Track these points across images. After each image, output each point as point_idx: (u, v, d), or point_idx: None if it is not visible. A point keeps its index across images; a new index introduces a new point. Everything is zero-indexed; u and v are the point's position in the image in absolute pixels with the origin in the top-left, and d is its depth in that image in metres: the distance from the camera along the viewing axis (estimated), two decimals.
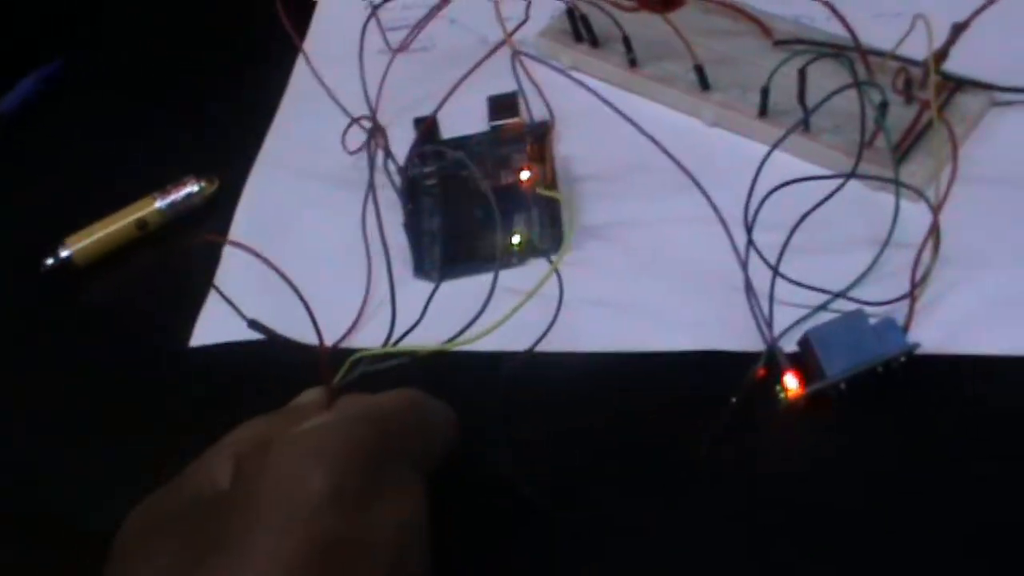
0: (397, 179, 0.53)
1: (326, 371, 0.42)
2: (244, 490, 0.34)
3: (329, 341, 0.46)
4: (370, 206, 0.53)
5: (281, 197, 0.55)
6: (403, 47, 0.60)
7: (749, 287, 0.46)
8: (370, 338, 0.48)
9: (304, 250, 0.51)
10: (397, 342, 0.47)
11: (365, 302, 0.50)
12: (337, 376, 0.42)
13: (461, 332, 0.45)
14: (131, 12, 0.68)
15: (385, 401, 0.38)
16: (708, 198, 0.49)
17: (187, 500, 0.35)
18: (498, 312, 0.44)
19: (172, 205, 0.55)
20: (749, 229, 0.46)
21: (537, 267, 0.50)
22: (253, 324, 0.49)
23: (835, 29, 0.53)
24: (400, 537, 0.35)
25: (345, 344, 0.48)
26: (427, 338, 0.46)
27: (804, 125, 0.51)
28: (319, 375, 0.43)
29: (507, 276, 0.47)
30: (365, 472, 0.35)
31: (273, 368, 0.48)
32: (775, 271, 0.45)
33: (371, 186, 0.53)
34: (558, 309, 0.45)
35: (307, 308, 0.43)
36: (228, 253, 0.53)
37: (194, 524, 0.34)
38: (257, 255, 0.45)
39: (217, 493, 0.35)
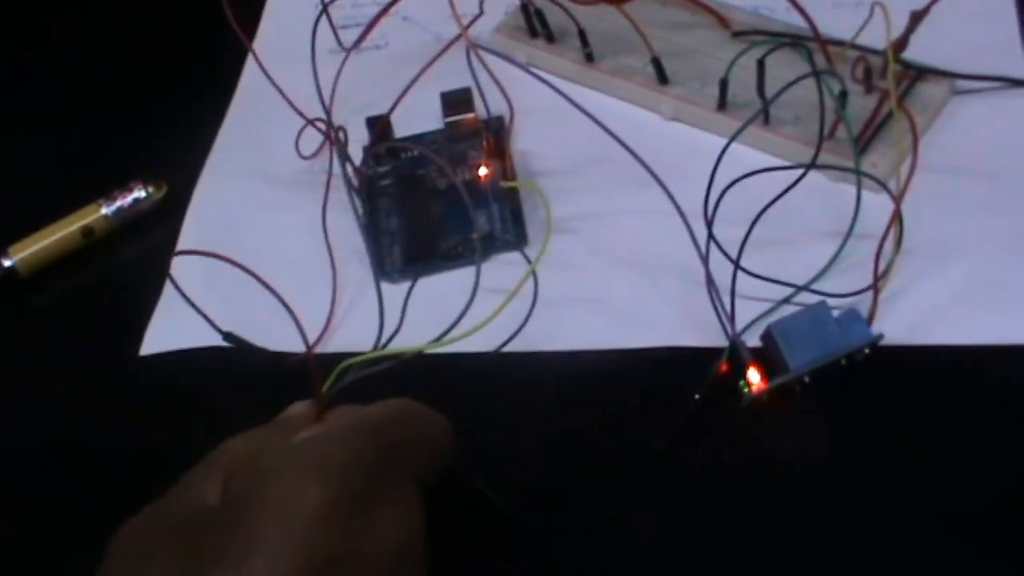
0: (354, 180, 0.53)
1: (317, 381, 0.42)
2: (237, 506, 0.34)
3: (295, 348, 0.46)
4: (329, 208, 0.53)
5: (233, 202, 0.56)
6: (355, 45, 0.61)
7: (710, 282, 0.47)
8: (344, 343, 0.49)
9: (258, 256, 0.52)
10: (384, 346, 0.47)
11: (333, 307, 0.50)
12: (326, 384, 0.42)
13: (448, 330, 0.45)
14: (75, 14, 0.68)
15: (379, 412, 0.39)
16: (667, 192, 0.50)
17: (179, 514, 0.35)
18: (457, 311, 0.45)
19: (119, 211, 0.55)
20: (709, 223, 0.46)
21: (500, 263, 0.51)
22: (229, 336, 0.49)
23: (794, 19, 0.54)
24: (398, 550, 0.35)
25: (319, 350, 0.49)
26: (405, 340, 0.47)
27: (764, 117, 0.52)
28: (292, 384, 0.43)
29: (467, 274, 0.48)
30: (362, 485, 0.35)
31: (229, 375, 0.48)
32: (736, 265, 0.46)
33: (329, 188, 0.53)
34: (532, 307, 0.45)
35: (292, 315, 0.43)
36: (182, 260, 0.53)
37: (189, 539, 0.34)
38: (236, 263, 0.45)
39: (209, 509, 0.35)
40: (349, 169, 0.53)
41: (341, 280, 0.51)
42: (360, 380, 0.42)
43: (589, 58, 0.58)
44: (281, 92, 0.55)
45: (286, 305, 0.43)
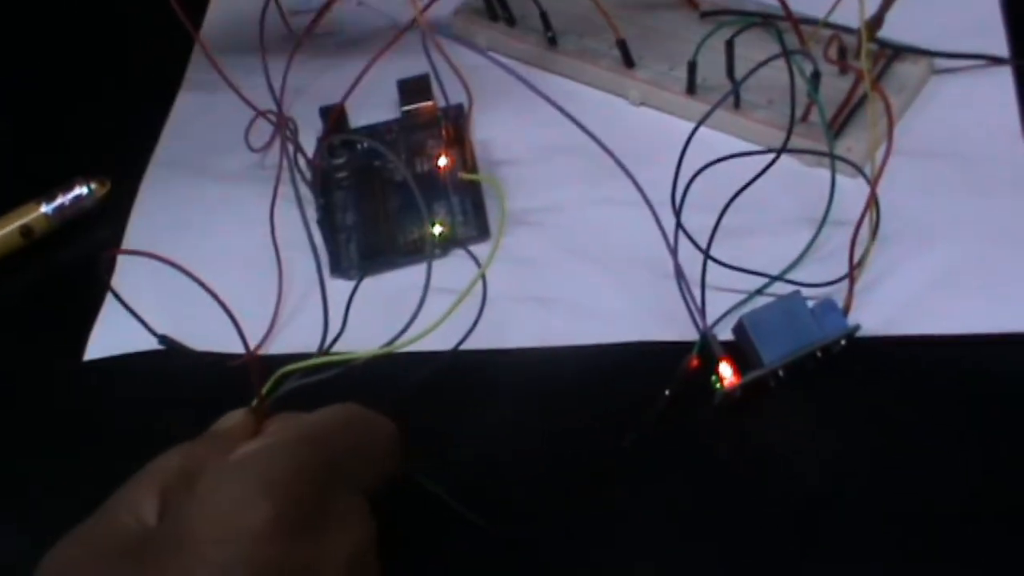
0: (307, 173, 0.54)
1: (256, 387, 0.42)
2: (177, 527, 0.33)
3: (240, 350, 0.46)
4: (279, 203, 0.53)
5: (180, 198, 0.56)
6: (307, 32, 0.61)
7: (680, 273, 0.47)
8: (289, 344, 0.49)
9: (207, 255, 0.51)
10: (327, 350, 0.47)
11: (278, 307, 0.51)
12: (263, 390, 0.42)
13: (400, 334, 0.45)
14: (14, 3, 0.67)
15: (323, 420, 0.38)
16: (634, 181, 0.50)
17: (112, 538, 0.34)
18: (424, 309, 0.45)
19: (59, 210, 0.55)
20: (677, 212, 0.47)
21: (460, 257, 0.51)
22: (164, 340, 0.49)
23: None
24: (350, 564, 0.35)
25: (263, 352, 0.49)
26: (353, 341, 0.47)
27: (734, 101, 0.52)
28: (235, 388, 0.43)
29: (426, 270, 0.48)
30: (309, 499, 0.34)
31: (177, 380, 0.49)
32: (706, 255, 0.47)
33: (279, 182, 0.53)
34: (481, 307, 0.46)
35: (231, 316, 0.43)
36: (125, 260, 0.53)
37: (124, 565, 0.33)
38: (174, 265, 0.45)
39: (146, 530, 0.34)
40: (301, 162, 0.53)
41: (292, 278, 0.51)
42: (305, 384, 0.42)
43: (552, 42, 0.58)
44: (228, 82, 0.55)
45: (224, 307, 0.43)
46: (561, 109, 0.53)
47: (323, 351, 0.47)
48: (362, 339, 0.47)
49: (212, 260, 0.50)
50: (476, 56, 0.58)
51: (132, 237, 0.54)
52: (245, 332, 0.45)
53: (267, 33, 0.58)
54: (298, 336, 0.49)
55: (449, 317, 0.43)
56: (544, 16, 0.57)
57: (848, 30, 0.53)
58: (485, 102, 0.56)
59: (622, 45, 0.56)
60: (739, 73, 0.51)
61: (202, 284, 0.43)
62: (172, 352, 0.49)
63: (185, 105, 0.60)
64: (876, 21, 0.52)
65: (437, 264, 0.49)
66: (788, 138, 0.47)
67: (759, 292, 0.47)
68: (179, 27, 0.55)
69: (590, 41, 0.57)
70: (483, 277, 0.45)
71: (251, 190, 0.54)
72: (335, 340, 0.48)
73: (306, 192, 0.53)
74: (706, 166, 0.46)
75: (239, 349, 0.46)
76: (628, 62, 0.56)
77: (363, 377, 0.43)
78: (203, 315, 0.45)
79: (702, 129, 0.48)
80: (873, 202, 0.47)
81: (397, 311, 0.46)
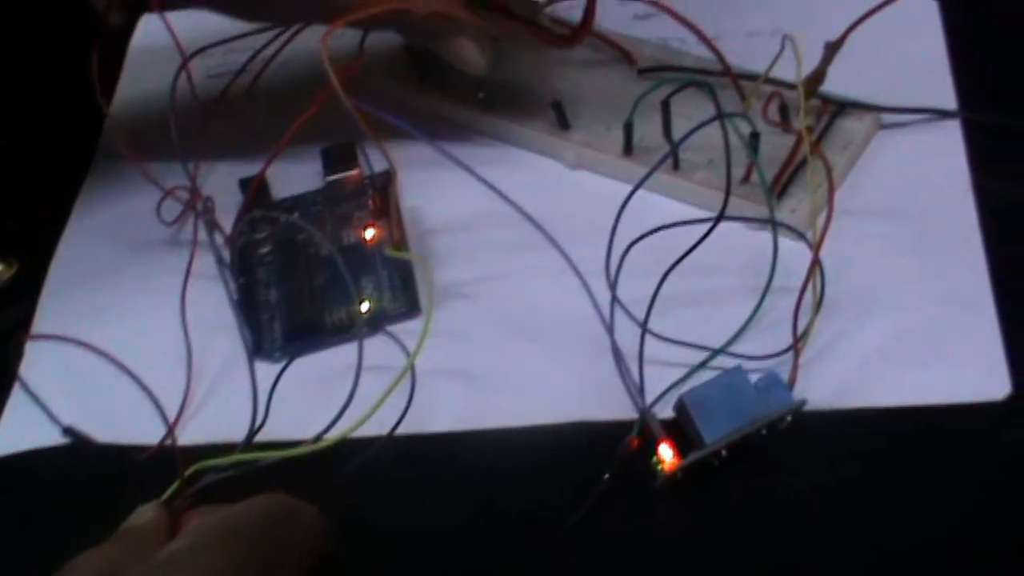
0: (224, 251, 0.54)
1: (173, 481, 0.42)
2: None
3: (155, 440, 0.46)
4: (198, 283, 0.53)
5: (93, 278, 0.56)
6: (224, 98, 0.61)
7: (616, 350, 0.48)
8: (208, 433, 0.49)
9: (122, 338, 0.52)
10: (249, 439, 0.47)
11: (195, 393, 0.51)
12: (172, 488, 0.42)
13: (330, 427, 0.45)
14: None
15: (245, 515, 0.38)
16: (563, 253, 0.51)
17: None
18: (344, 391, 0.45)
19: None
20: (612, 285, 0.47)
21: (391, 335, 0.51)
22: (70, 432, 0.49)
23: (707, 51, 0.56)
24: None
25: (180, 442, 0.49)
26: (278, 428, 0.47)
27: (673, 162, 0.53)
28: (149, 481, 0.43)
29: (352, 349, 0.48)
30: None
31: (86, 475, 0.48)
32: (644, 329, 0.47)
33: (193, 261, 0.53)
34: (412, 390, 0.46)
35: (155, 402, 0.43)
36: (34, 345, 0.53)
37: None
38: (88, 347, 0.45)
39: None
40: (219, 239, 0.53)
41: (211, 362, 0.51)
42: (225, 477, 0.42)
43: (484, 103, 0.59)
44: (132, 158, 0.55)
45: (141, 394, 0.43)
46: (482, 179, 0.53)
47: (245, 442, 0.47)
48: (287, 426, 0.47)
49: (127, 344, 0.51)
50: (403, 120, 0.58)
51: (41, 320, 0.54)
52: (160, 421, 0.45)
53: (183, 99, 0.57)
54: (218, 425, 0.49)
55: (369, 415, 0.43)
56: (475, 77, 0.57)
57: (789, 85, 0.54)
58: (413, 169, 0.57)
59: (557, 106, 0.57)
60: (678, 133, 0.52)
61: (119, 369, 0.43)
62: (80, 445, 0.48)
63: (97, 180, 0.60)
64: (817, 76, 0.53)
65: (367, 343, 0.49)
66: (726, 203, 0.47)
67: (702, 366, 0.48)
68: (91, 100, 0.55)
69: (524, 102, 0.58)
70: (413, 369, 0.45)
71: (167, 268, 0.54)
72: (258, 428, 0.47)
73: (225, 270, 0.53)
74: (640, 238, 0.47)
75: (153, 439, 0.46)
76: (563, 123, 0.57)
77: (289, 465, 0.43)
78: (116, 403, 0.45)
79: (641, 191, 0.48)
80: (816, 268, 0.47)
81: (325, 395, 0.46)
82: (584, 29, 0.56)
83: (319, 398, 0.46)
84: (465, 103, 0.59)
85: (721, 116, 0.47)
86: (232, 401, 0.49)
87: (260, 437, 0.47)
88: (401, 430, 0.46)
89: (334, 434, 0.44)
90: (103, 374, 0.45)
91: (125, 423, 0.49)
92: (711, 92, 0.49)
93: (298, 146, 0.56)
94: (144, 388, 0.44)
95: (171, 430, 0.49)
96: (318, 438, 0.44)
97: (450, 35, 0.55)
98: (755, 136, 0.50)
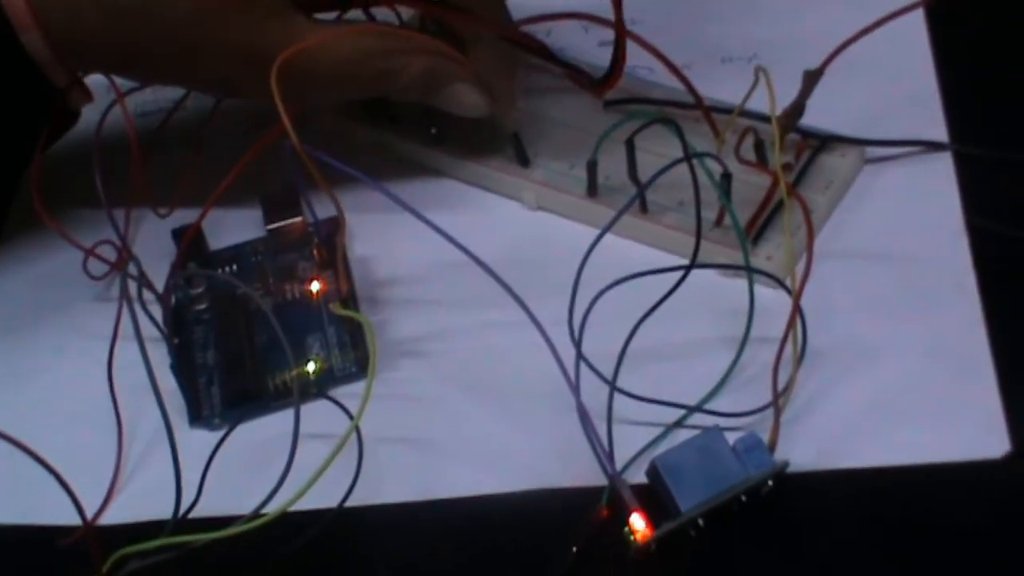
0: (158, 308, 0.54)
1: (96, 566, 0.42)
2: None
3: (79, 521, 0.46)
4: (125, 346, 0.53)
5: (11, 345, 0.56)
6: (156, 141, 0.61)
7: (582, 410, 0.48)
8: (137, 511, 0.49)
9: (39, 410, 0.53)
10: (179, 518, 0.47)
11: (123, 468, 0.51)
12: (104, 569, 0.42)
13: (265, 502, 0.45)
14: None
15: None
16: (523, 304, 0.51)
17: None
18: (298, 462, 0.46)
19: None
20: (577, 340, 0.48)
21: (340, 398, 0.50)
22: None
23: (678, 82, 0.56)
24: None
25: (110, 521, 0.49)
26: (215, 502, 0.47)
27: (640, 204, 0.54)
28: (70, 569, 0.44)
29: (304, 414, 0.48)
30: None
31: (8, 566, 0.49)
32: (612, 387, 0.48)
33: (120, 322, 0.53)
34: (360, 459, 0.47)
35: (64, 486, 0.43)
36: None
37: None
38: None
39: None
40: (150, 296, 0.53)
41: (142, 432, 0.51)
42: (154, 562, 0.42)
43: (437, 139, 0.59)
44: (46, 216, 0.56)
45: (57, 471, 0.43)
46: (435, 226, 0.53)
47: (174, 521, 0.47)
48: (225, 501, 0.47)
49: (45, 416, 0.51)
50: (350, 162, 0.58)
51: None
52: (82, 501, 0.45)
53: (110, 142, 0.58)
54: (149, 501, 0.49)
55: (328, 471, 0.43)
56: (427, 112, 0.58)
57: (765, 119, 0.54)
58: (363, 215, 0.57)
59: (516, 141, 0.57)
60: (645, 172, 0.53)
61: (26, 448, 0.43)
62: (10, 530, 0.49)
63: (17, 240, 0.61)
64: (795, 109, 0.54)
65: (313, 407, 0.49)
66: (697, 249, 0.48)
67: (677, 425, 0.49)
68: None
69: (479, 138, 0.59)
70: (357, 428, 0.45)
71: (93, 331, 0.55)
72: (191, 505, 0.48)
73: (156, 331, 0.53)
74: (607, 288, 0.47)
75: (75, 521, 0.46)
76: (523, 159, 0.58)
77: (224, 547, 0.44)
78: (33, 482, 0.45)
79: (608, 235, 0.49)
80: (797, 317, 0.48)
81: (268, 466, 0.46)
82: (616, 73, 0.57)
83: (261, 469, 0.47)
84: (416, 138, 0.60)
85: (689, 157, 0.48)
86: (166, 474, 0.49)
87: (195, 514, 0.47)
88: (351, 502, 0.47)
89: (273, 508, 0.44)
90: (13, 450, 0.45)
91: (46, 505, 0.48)
92: (677, 131, 0.50)
93: (236, 192, 0.56)
94: (58, 464, 0.44)
95: (103, 508, 0.49)
96: (255, 514, 0.44)
97: (444, 85, 0.56)
98: (726, 177, 0.51)
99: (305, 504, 0.44)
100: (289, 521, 0.45)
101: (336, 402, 0.49)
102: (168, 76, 0.57)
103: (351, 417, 0.47)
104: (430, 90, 0.55)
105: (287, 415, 0.50)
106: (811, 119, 0.55)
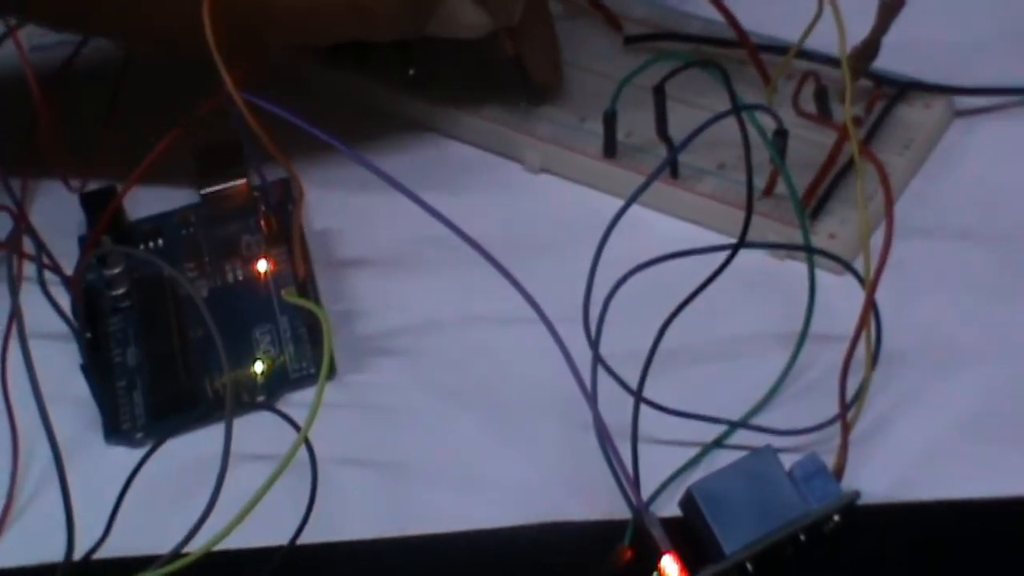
0: (64, 296, 0.53)
1: None
2: None
3: None
4: (18, 345, 0.52)
5: None
6: (60, 80, 0.61)
7: (601, 426, 0.47)
8: (33, 550, 0.48)
9: None
10: (78, 564, 0.47)
11: (17, 495, 0.50)
12: None
13: (188, 538, 0.44)
14: None
15: None
16: (524, 293, 0.50)
17: None
18: (235, 487, 0.45)
19: None
20: (594, 338, 0.47)
21: (295, 407, 0.50)
22: None
23: (714, 12, 0.56)
24: None
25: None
26: (136, 537, 0.47)
27: (671, 168, 0.53)
28: None
29: (249, 426, 0.48)
30: None
31: None
32: (638, 397, 0.47)
33: (16, 313, 0.52)
34: (314, 485, 0.46)
35: None
36: None
37: None
38: None
39: None
40: (56, 280, 0.53)
41: (43, 449, 0.50)
42: None
43: (416, 82, 0.59)
44: None
45: None
46: (414, 195, 0.52)
47: (68, 564, 0.46)
48: (145, 536, 0.46)
49: None
50: (312, 110, 0.57)
51: None
52: None
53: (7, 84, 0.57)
54: (46, 540, 0.48)
55: (277, 501, 0.43)
56: (404, 46, 0.58)
57: (833, 61, 0.54)
58: (324, 179, 0.57)
59: (517, 79, 0.56)
60: (678, 128, 0.52)
61: None
62: None
63: None
64: (869, 48, 0.53)
65: (261, 419, 0.49)
66: (747, 225, 0.47)
67: (716, 445, 0.48)
68: None
69: (469, 79, 0.58)
70: (307, 442, 0.45)
71: None
72: (99, 543, 0.47)
73: (63, 323, 0.52)
74: (630, 273, 0.46)
75: None
76: (534, 97, 0.57)
77: None
78: None
79: (631, 208, 0.48)
80: (870, 311, 0.47)
81: (202, 492, 0.45)
82: None
83: (193, 497, 0.46)
84: (390, 83, 0.59)
85: (738, 110, 0.47)
86: (75, 503, 0.48)
87: (104, 553, 0.47)
88: (304, 538, 0.46)
89: (198, 546, 0.43)
90: None
91: None
92: (722, 76, 0.49)
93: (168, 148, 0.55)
94: None
95: None
96: (174, 554, 0.44)
97: (435, 5, 0.54)
98: (781, 134, 0.50)
99: (247, 541, 0.44)
100: (225, 563, 0.45)
101: (280, 413, 0.48)
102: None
103: (298, 430, 0.46)
104: (419, 16, 0.54)
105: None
106: (887, 61, 0.54)
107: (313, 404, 0.44)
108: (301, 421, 0.46)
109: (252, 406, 0.50)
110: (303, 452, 0.45)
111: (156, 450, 0.48)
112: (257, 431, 0.47)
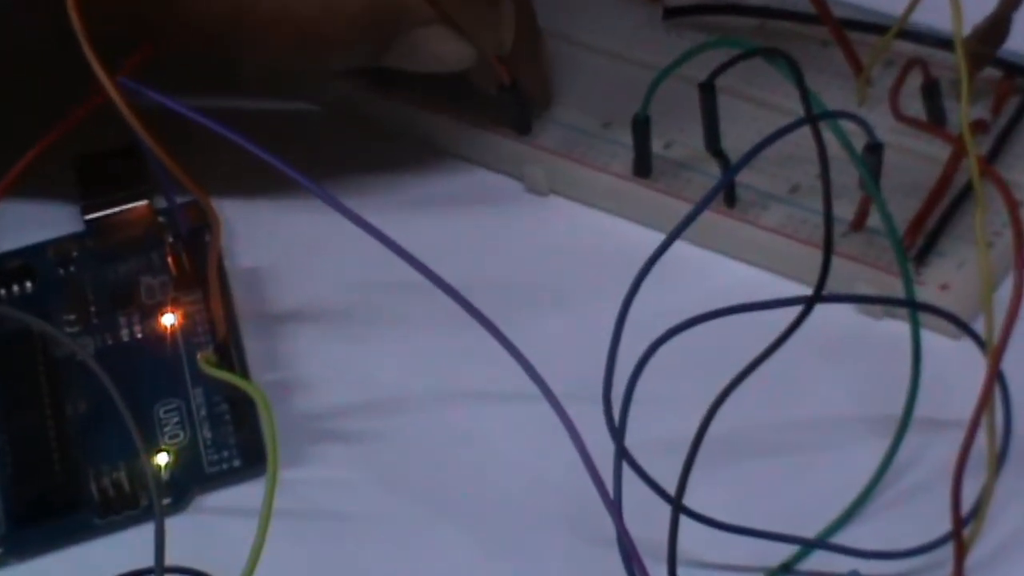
0: None
1: None
2: None
3: None
4: None
5: None
6: None
7: (627, 542, 0.47)
8: None
9: None
10: None
11: None
12: None
13: None
14: None
15: None
16: (523, 361, 0.50)
17: None
18: None
19: None
20: (619, 425, 0.46)
21: (209, 508, 0.51)
22: None
23: None
24: None
25: None
26: None
27: (726, 193, 0.53)
28: None
29: (140, 537, 0.48)
30: None
31: None
32: (677, 505, 0.46)
33: None
34: None
35: None
36: None
37: None
38: None
39: None
40: None
41: None
42: None
43: (383, 79, 0.59)
44: None
45: None
46: (367, 226, 0.51)
47: None
48: None
49: None
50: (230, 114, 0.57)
51: None
52: None
53: None
54: None
55: None
56: None
57: (947, 43, 0.53)
58: (252, 204, 0.58)
59: (512, 84, 0.56)
60: (734, 140, 0.52)
61: None
62: None
63: None
64: (996, 27, 0.53)
65: (172, 526, 0.46)
66: (825, 270, 0.47)
67: (784, 571, 0.48)
68: None
69: (455, 80, 0.58)
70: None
71: None
72: None
73: None
74: (667, 336, 0.46)
75: None
76: (521, 125, 0.57)
77: None
78: None
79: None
80: (995, 388, 0.46)
81: None
82: None
83: None
84: (354, 80, 0.60)
85: (814, 119, 0.47)
86: None
87: None
88: None
89: None
90: None
91: None
92: (791, 69, 0.48)
93: (48, 157, 0.56)
94: None
95: None
96: None
97: (398, 32, 0.55)
98: (876, 149, 0.50)
99: None
100: None
101: (216, 517, 0.49)
102: None
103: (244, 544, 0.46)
104: (379, 44, 0.55)
105: (118, 541, 0.51)
106: (1018, 43, 0.54)
107: (261, 524, 0.43)
108: (220, 533, 0.46)
109: (175, 506, 0.50)
110: (221, 567, 0.44)
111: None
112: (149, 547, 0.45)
